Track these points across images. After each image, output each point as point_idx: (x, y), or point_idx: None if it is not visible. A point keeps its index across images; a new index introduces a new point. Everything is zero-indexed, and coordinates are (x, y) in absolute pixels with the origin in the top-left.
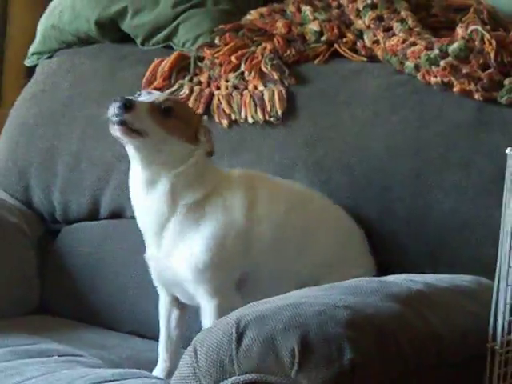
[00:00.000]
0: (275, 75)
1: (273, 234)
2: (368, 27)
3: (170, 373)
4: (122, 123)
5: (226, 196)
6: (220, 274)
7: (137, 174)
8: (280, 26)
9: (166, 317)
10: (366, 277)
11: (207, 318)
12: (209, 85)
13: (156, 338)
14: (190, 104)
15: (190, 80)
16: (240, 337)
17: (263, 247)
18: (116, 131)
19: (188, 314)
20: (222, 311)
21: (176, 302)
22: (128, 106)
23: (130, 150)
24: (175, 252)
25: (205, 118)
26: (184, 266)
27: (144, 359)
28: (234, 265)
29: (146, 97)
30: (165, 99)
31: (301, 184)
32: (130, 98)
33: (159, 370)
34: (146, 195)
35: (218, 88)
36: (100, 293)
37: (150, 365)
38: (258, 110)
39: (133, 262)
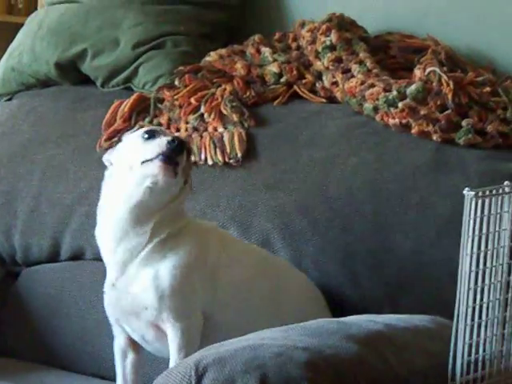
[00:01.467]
0: (235, 117)
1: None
2: (327, 69)
3: None
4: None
5: (197, 234)
6: (183, 301)
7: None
8: (239, 68)
9: (121, 360)
10: None
11: (174, 342)
12: (169, 126)
13: None
14: None
15: (150, 122)
16: (199, 379)
17: (228, 292)
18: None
19: (145, 357)
20: (188, 333)
21: (132, 343)
22: None
23: None
24: (140, 277)
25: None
26: (148, 290)
27: None
28: (198, 296)
29: None
30: None
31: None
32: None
33: None
34: None
35: (178, 130)
36: (61, 335)
37: None
38: (218, 151)
39: (93, 304)
